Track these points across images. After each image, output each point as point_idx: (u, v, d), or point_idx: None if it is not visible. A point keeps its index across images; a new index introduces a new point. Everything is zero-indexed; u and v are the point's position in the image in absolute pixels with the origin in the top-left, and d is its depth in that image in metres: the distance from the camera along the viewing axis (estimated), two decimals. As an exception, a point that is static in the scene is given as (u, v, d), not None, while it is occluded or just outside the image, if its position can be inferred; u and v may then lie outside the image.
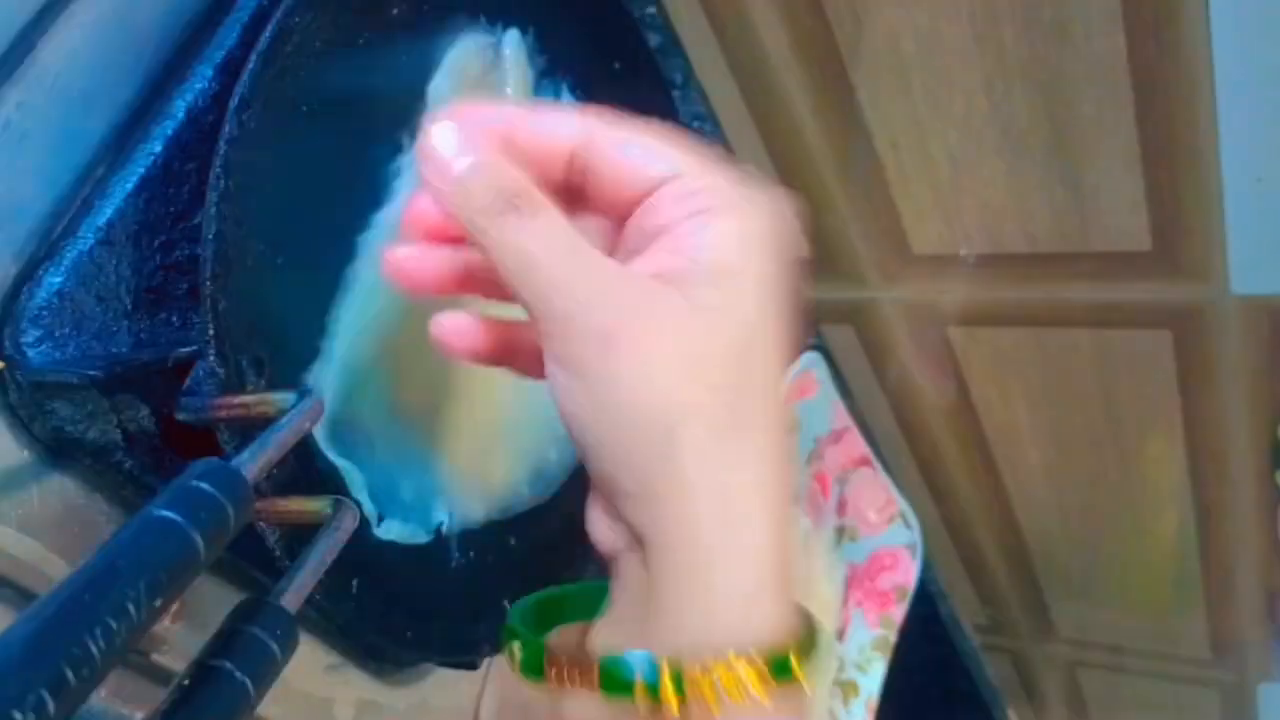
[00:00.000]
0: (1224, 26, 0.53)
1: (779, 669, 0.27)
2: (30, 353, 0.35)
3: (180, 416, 0.35)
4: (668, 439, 0.27)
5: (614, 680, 0.28)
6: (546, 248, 0.29)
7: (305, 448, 0.39)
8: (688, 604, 0.28)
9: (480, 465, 0.49)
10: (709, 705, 0.27)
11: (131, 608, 0.23)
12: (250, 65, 0.36)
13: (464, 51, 0.45)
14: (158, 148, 0.38)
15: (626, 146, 0.30)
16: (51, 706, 0.21)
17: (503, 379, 0.50)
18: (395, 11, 0.42)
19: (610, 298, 0.28)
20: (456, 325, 0.33)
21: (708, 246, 0.29)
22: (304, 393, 0.33)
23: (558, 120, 0.31)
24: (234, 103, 0.36)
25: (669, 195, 0.30)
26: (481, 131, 0.30)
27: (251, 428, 0.33)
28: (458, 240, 0.32)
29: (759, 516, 0.28)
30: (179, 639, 0.40)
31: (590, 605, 0.32)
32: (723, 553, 0.28)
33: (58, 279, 0.35)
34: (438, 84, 0.44)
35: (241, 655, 0.28)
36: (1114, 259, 0.68)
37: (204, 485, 0.27)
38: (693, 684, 0.27)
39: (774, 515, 0.28)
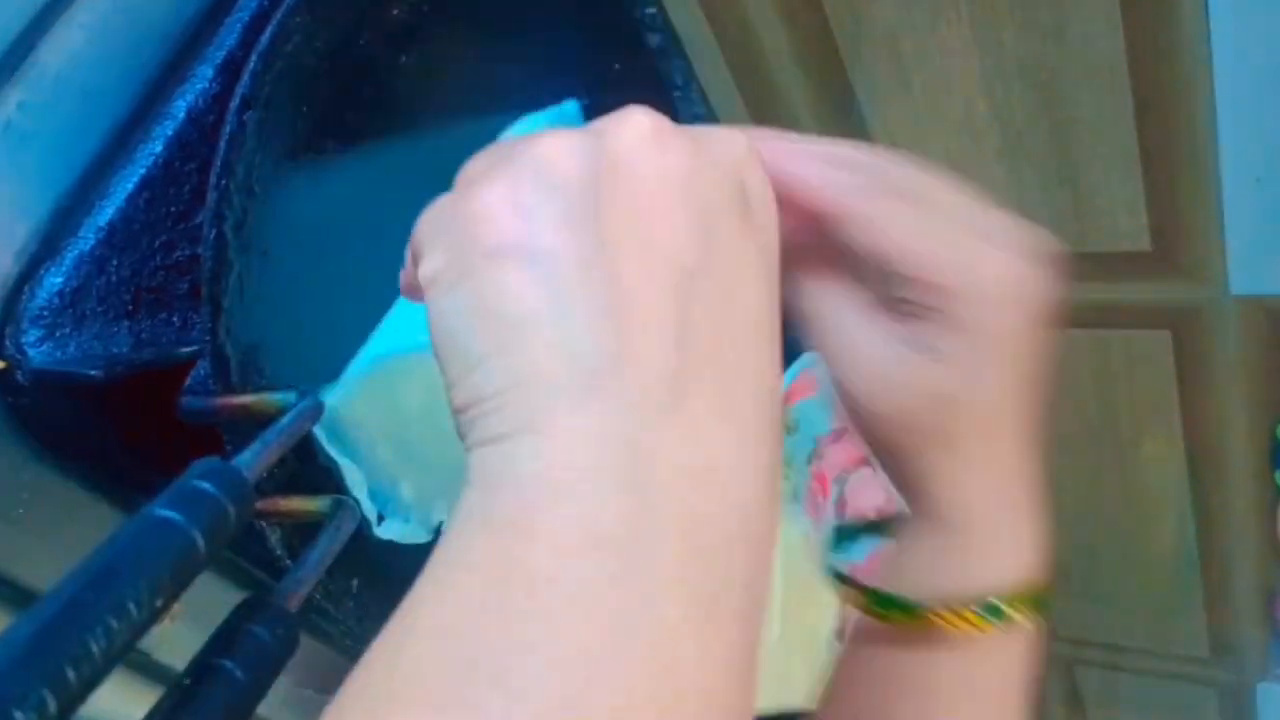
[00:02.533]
0: (1223, 28, 0.53)
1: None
2: (31, 352, 0.35)
3: (181, 416, 0.35)
4: None
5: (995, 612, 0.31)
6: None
7: (306, 447, 0.39)
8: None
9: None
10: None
11: (132, 607, 0.23)
12: (251, 65, 0.36)
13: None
14: (159, 148, 0.38)
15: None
16: (53, 705, 0.21)
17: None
18: (396, 12, 0.42)
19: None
20: None
21: None
22: (304, 393, 0.34)
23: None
24: (235, 103, 0.36)
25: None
26: None
27: (252, 427, 0.33)
28: None
29: None
30: (180, 638, 0.40)
31: None
32: None
33: (59, 279, 0.35)
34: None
35: (242, 654, 0.28)
36: (1113, 259, 0.68)
37: (205, 485, 0.27)
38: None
39: None
